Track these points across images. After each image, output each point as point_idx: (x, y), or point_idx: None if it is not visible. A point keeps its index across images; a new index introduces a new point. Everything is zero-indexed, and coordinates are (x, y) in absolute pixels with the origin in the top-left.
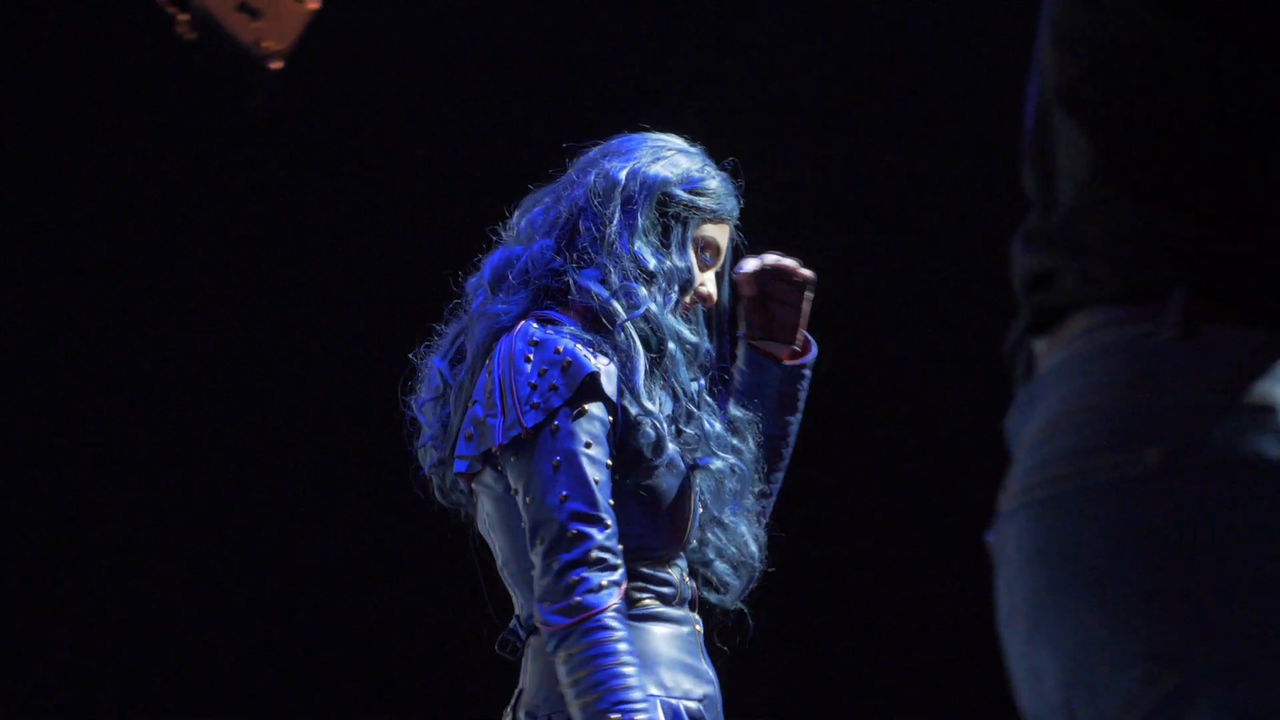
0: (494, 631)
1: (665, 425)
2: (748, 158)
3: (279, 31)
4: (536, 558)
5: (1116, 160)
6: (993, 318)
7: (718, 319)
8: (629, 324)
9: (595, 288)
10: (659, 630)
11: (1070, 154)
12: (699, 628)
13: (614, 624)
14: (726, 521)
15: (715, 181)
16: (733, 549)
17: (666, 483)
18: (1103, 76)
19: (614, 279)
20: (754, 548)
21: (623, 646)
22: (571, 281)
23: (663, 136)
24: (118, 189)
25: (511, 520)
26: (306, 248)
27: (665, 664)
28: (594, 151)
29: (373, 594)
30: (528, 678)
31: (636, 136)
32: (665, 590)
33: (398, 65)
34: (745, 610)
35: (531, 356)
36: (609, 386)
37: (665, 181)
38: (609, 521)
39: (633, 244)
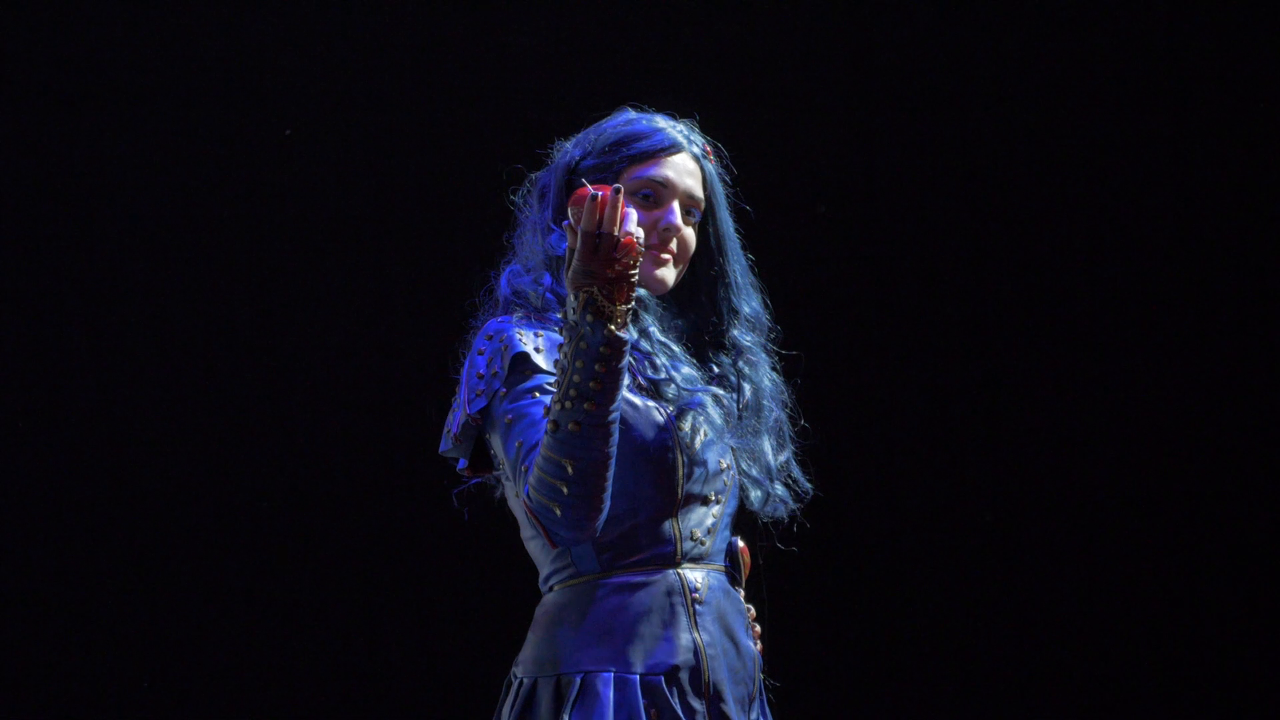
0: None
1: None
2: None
3: None
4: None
5: None
6: (991, 311)
7: (710, 271)
8: (554, 312)
9: (528, 288)
10: (629, 600)
11: None
12: (702, 584)
13: None
14: (738, 445)
15: (637, 126)
16: (756, 467)
17: (641, 435)
18: None
19: (545, 278)
20: (771, 458)
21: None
22: (529, 292)
23: (609, 120)
24: (119, 188)
25: (511, 494)
26: (323, 251)
27: (628, 637)
28: (551, 169)
29: (371, 596)
30: (528, 634)
31: (567, 148)
32: (663, 549)
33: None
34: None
35: (484, 349)
36: (542, 359)
37: (568, 165)
38: None
39: (544, 240)
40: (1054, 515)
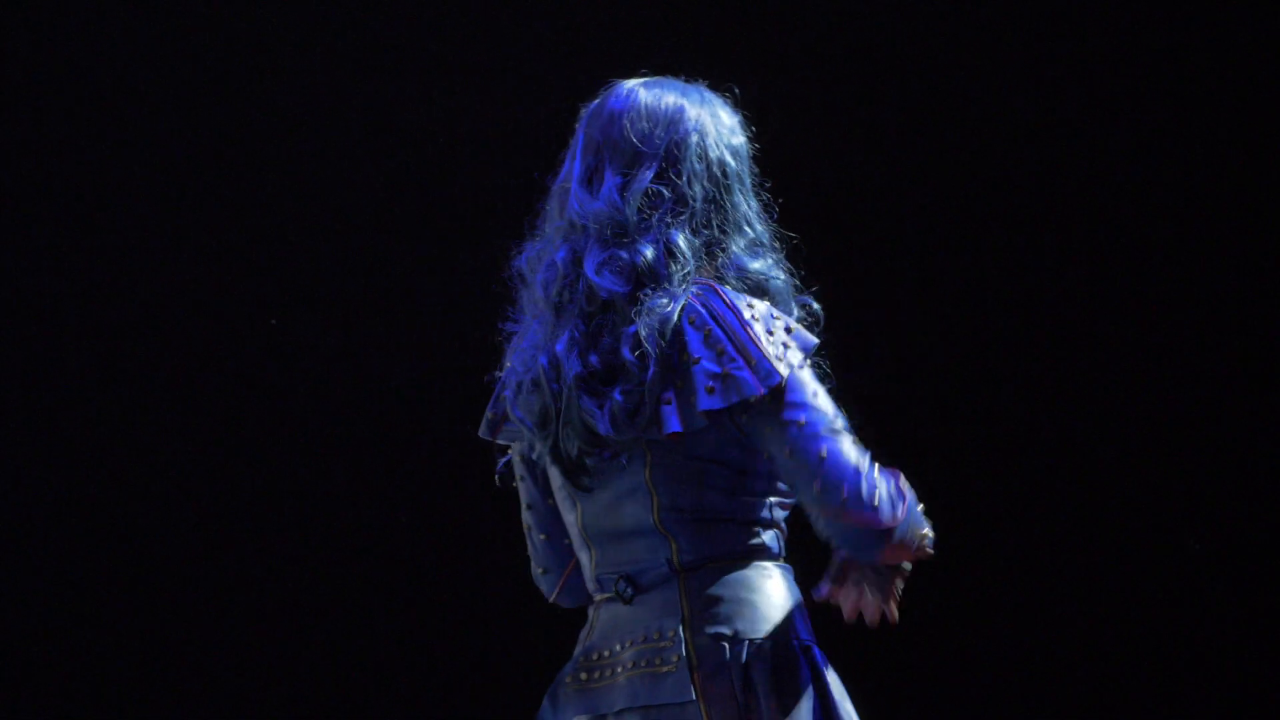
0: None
1: None
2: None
3: None
4: (835, 480)
5: None
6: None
7: None
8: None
9: (758, 266)
10: (795, 589)
11: None
12: None
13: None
14: None
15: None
16: None
17: None
18: None
19: (765, 256)
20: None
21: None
22: (732, 264)
23: (701, 93)
24: (121, 186)
25: (704, 473)
26: (331, 247)
27: (809, 623)
28: (653, 125)
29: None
30: (695, 606)
31: (683, 107)
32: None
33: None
34: None
35: (756, 315)
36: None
37: (746, 150)
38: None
39: (756, 223)
40: (1053, 514)
